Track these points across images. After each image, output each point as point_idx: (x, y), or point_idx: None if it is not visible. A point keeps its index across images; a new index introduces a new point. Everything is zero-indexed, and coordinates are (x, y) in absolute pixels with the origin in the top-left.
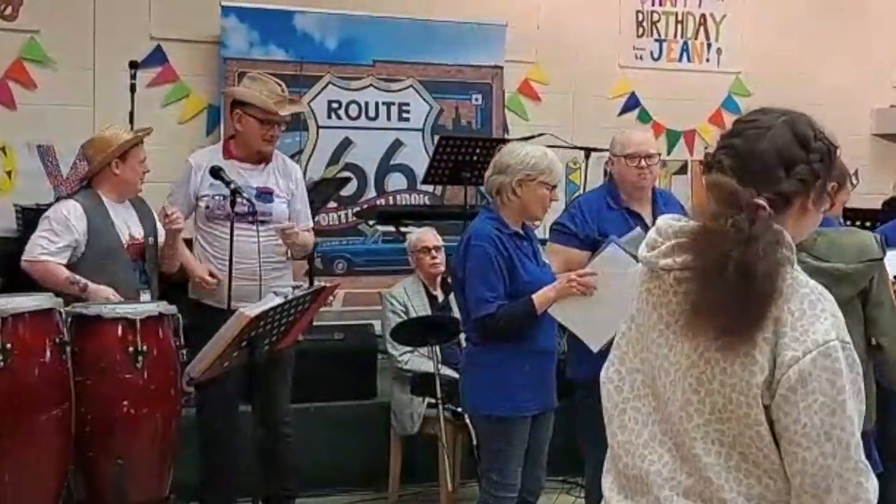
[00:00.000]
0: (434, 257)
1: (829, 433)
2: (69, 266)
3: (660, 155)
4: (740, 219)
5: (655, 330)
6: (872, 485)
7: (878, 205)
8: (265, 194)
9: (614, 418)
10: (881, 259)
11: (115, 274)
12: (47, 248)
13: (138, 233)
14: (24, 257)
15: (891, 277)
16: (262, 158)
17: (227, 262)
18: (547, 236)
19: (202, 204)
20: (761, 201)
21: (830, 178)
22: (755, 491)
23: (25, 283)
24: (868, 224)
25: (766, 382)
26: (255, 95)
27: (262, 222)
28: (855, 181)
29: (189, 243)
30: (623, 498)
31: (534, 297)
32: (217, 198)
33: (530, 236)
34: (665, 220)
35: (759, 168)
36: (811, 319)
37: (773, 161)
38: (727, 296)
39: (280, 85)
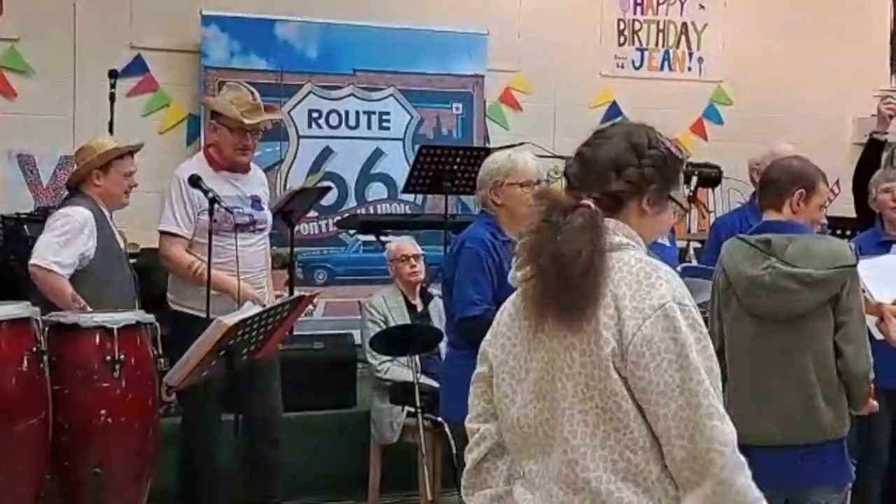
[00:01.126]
0: (413, 266)
1: (681, 386)
2: (76, 272)
3: None
4: (554, 216)
5: (532, 338)
6: (727, 426)
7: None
8: (257, 202)
9: (514, 428)
10: (854, 266)
11: (121, 282)
12: (59, 261)
13: (125, 243)
14: (34, 260)
15: (863, 286)
16: (240, 168)
17: (234, 274)
18: None
19: (204, 217)
20: (586, 201)
21: (671, 185)
22: (620, 466)
23: (6, 292)
24: (849, 233)
25: (616, 353)
26: (223, 105)
27: (260, 230)
28: (836, 190)
29: None
30: (525, 491)
31: None
32: (221, 210)
33: None
34: (518, 241)
35: (596, 172)
36: (647, 288)
37: (606, 166)
38: (551, 284)
39: (252, 93)
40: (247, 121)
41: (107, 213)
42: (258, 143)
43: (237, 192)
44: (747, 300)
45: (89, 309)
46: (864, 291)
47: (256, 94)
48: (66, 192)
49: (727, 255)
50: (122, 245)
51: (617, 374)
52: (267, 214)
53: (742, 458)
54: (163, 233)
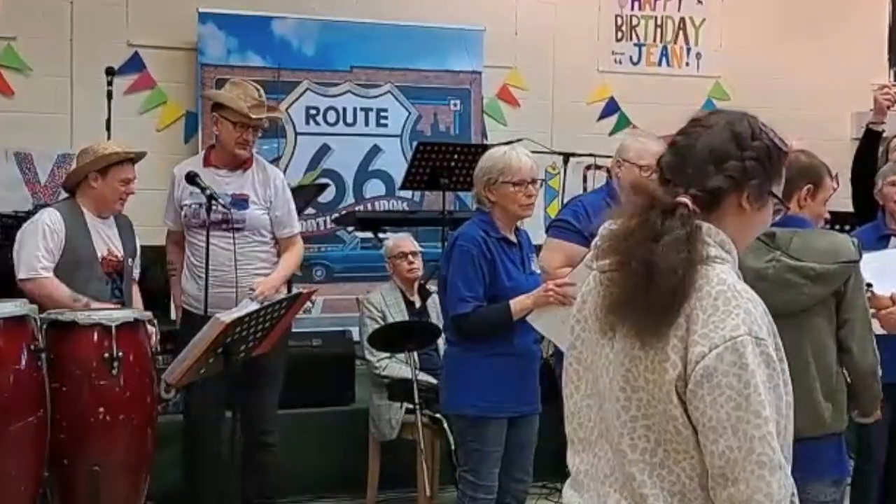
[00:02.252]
0: (411, 262)
1: (735, 426)
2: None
3: None
4: (651, 216)
5: (601, 330)
6: (777, 479)
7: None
8: (240, 201)
9: (574, 416)
10: (857, 261)
11: (86, 285)
12: (45, 265)
13: (117, 250)
14: (21, 275)
15: (865, 281)
16: (238, 163)
17: (204, 270)
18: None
19: (183, 212)
20: (683, 199)
21: (773, 180)
22: (676, 488)
23: (3, 290)
24: (847, 227)
25: (681, 378)
26: (230, 98)
27: (238, 229)
28: (835, 184)
29: None
30: (573, 493)
31: (511, 303)
32: (194, 206)
33: (522, 243)
34: (605, 225)
35: (693, 164)
36: (722, 316)
37: (705, 157)
38: (634, 292)
39: (258, 89)
40: (253, 115)
41: (89, 220)
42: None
43: (219, 189)
44: None
45: (94, 305)
46: (870, 286)
47: (262, 91)
48: (63, 192)
49: None
50: (98, 252)
51: (679, 399)
52: (248, 214)
53: None
54: (167, 226)
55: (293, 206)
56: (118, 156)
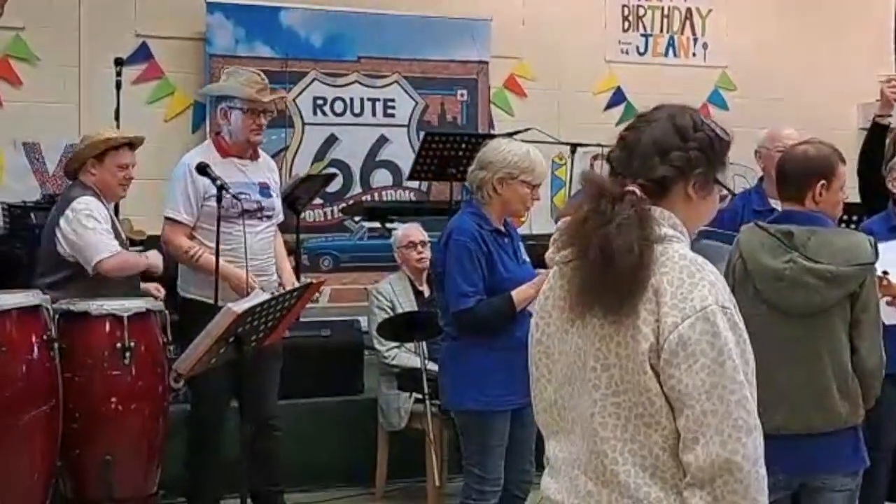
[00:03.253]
0: (420, 252)
1: (710, 391)
2: (77, 269)
3: None
4: (602, 204)
5: (566, 321)
6: (752, 440)
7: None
8: (265, 189)
9: (552, 407)
10: (873, 263)
11: (119, 281)
12: (106, 243)
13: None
14: (95, 260)
15: (880, 272)
16: (253, 152)
17: (243, 260)
18: (531, 233)
19: (211, 203)
20: (632, 187)
21: (717, 169)
22: (648, 462)
23: (11, 280)
24: (854, 218)
25: (653, 350)
26: (237, 87)
27: (268, 217)
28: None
29: None
30: (550, 480)
31: (513, 293)
32: (228, 197)
33: (512, 234)
34: (562, 219)
35: (639, 156)
36: (689, 287)
37: (650, 150)
38: (596, 276)
39: (258, 74)
40: (264, 98)
41: (104, 203)
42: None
43: (245, 179)
44: (766, 291)
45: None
46: (886, 274)
47: (263, 76)
48: (69, 181)
49: (745, 243)
50: (122, 234)
51: (651, 370)
52: (275, 201)
53: (763, 472)
54: (166, 218)
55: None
56: (114, 140)
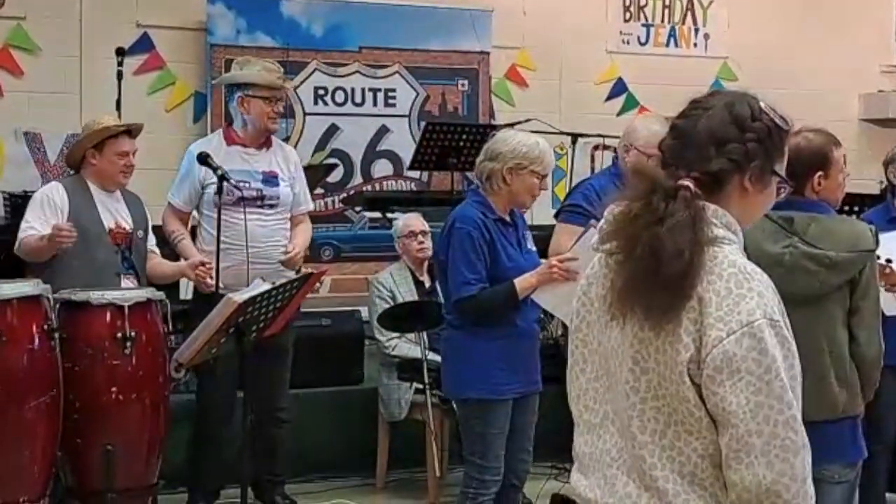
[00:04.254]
0: (421, 242)
1: (755, 411)
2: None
3: None
4: (654, 200)
5: (608, 313)
6: (800, 460)
7: (865, 190)
8: (272, 178)
9: (580, 399)
10: (873, 250)
11: (95, 255)
12: (35, 227)
13: (126, 224)
14: (17, 244)
15: (883, 260)
16: (268, 140)
17: (242, 247)
18: (532, 223)
19: (210, 191)
20: (686, 182)
21: (774, 160)
22: (686, 469)
23: (12, 269)
24: (856, 209)
25: (694, 361)
26: (258, 75)
27: (271, 206)
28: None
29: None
30: (581, 476)
31: (515, 282)
32: (225, 185)
33: (517, 223)
34: (610, 207)
35: (694, 147)
36: (736, 299)
37: (706, 140)
38: (642, 276)
39: (273, 63)
40: (285, 85)
41: (95, 194)
42: None
43: (248, 167)
44: None
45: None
46: (889, 262)
47: (277, 63)
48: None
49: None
50: (105, 223)
51: (690, 381)
52: (281, 190)
53: (812, 491)
54: (168, 203)
55: (306, 184)
56: (112, 129)
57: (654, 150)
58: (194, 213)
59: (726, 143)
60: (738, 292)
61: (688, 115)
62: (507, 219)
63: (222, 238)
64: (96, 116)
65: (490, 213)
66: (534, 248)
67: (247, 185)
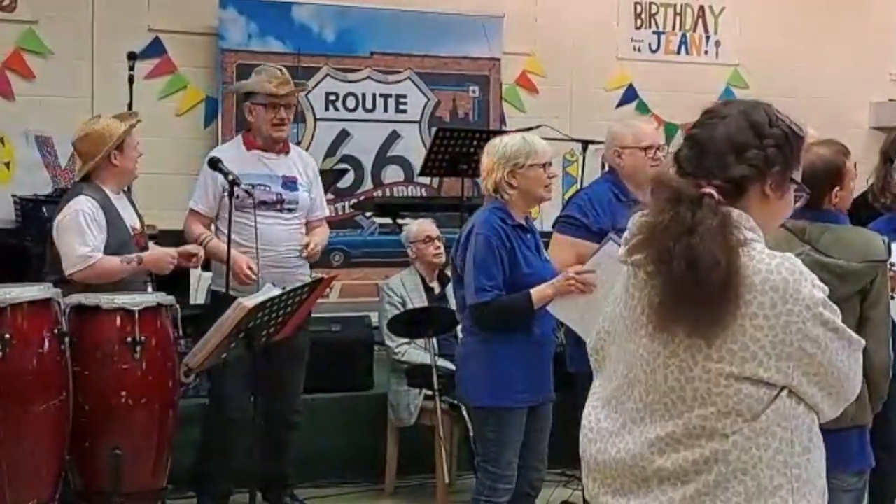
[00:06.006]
0: (437, 247)
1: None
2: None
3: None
4: (681, 210)
5: (639, 323)
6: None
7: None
8: (291, 182)
9: (599, 409)
10: (885, 261)
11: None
12: (92, 246)
13: (138, 224)
14: (71, 270)
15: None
16: (286, 145)
17: (254, 250)
18: (542, 229)
19: (222, 196)
20: (708, 189)
21: (792, 167)
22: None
23: (23, 273)
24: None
25: (763, 365)
26: (255, 83)
27: (290, 210)
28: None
29: None
30: (598, 486)
31: (532, 292)
32: (241, 190)
33: (533, 229)
34: (636, 216)
35: (713, 155)
36: (796, 285)
37: (724, 147)
38: (684, 291)
39: (281, 70)
40: (281, 91)
41: (112, 197)
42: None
43: (268, 171)
44: None
45: (146, 255)
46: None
47: (285, 71)
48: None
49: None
50: (130, 226)
51: (756, 382)
52: (300, 195)
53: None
54: (190, 210)
55: (322, 191)
56: (131, 128)
57: (647, 141)
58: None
59: (746, 150)
60: (794, 279)
61: (703, 124)
62: (526, 224)
63: (239, 241)
64: (91, 124)
65: (510, 220)
66: (551, 255)
67: (265, 188)
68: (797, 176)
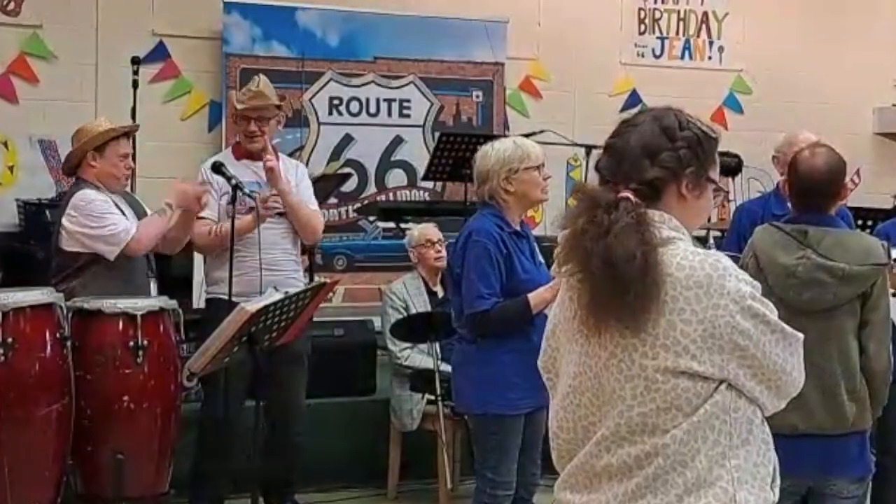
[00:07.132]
0: (439, 251)
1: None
2: (89, 258)
3: None
4: (598, 214)
5: (578, 330)
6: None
7: (879, 204)
8: None
9: (552, 420)
10: (886, 264)
11: (132, 264)
12: (122, 226)
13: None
14: (118, 249)
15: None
16: (258, 155)
17: (255, 255)
18: (546, 234)
19: (223, 201)
20: (625, 193)
21: (707, 167)
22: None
23: (26, 277)
24: (870, 223)
25: (695, 357)
26: (231, 95)
27: (281, 214)
28: (857, 179)
29: None
30: (560, 483)
31: (529, 296)
32: (241, 195)
33: (528, 235)
34: (560, 234)
35: (629, 161)
36: (720, 281)
37: (639, 153)
38: (604, 288)
39: (258, 81)
40: (238, 105)
41: (112, 197)
42: (279, 129)
43: (256, 178)
44: (778, 288)
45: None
46: None
47: (262, 83)
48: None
49: (759, 241)
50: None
51: (692, 376)
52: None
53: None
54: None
55: (312, 192)
56: (114, 131)
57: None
58: None
59: (659, 153)
60: (718, 275)
61: (619, 133)
62: (521, 230)
63: (238, 247)
64: (88, 121)
65: (506, 226)
66: (543, 261)
67: (258, 195)
68: (714, 175)
